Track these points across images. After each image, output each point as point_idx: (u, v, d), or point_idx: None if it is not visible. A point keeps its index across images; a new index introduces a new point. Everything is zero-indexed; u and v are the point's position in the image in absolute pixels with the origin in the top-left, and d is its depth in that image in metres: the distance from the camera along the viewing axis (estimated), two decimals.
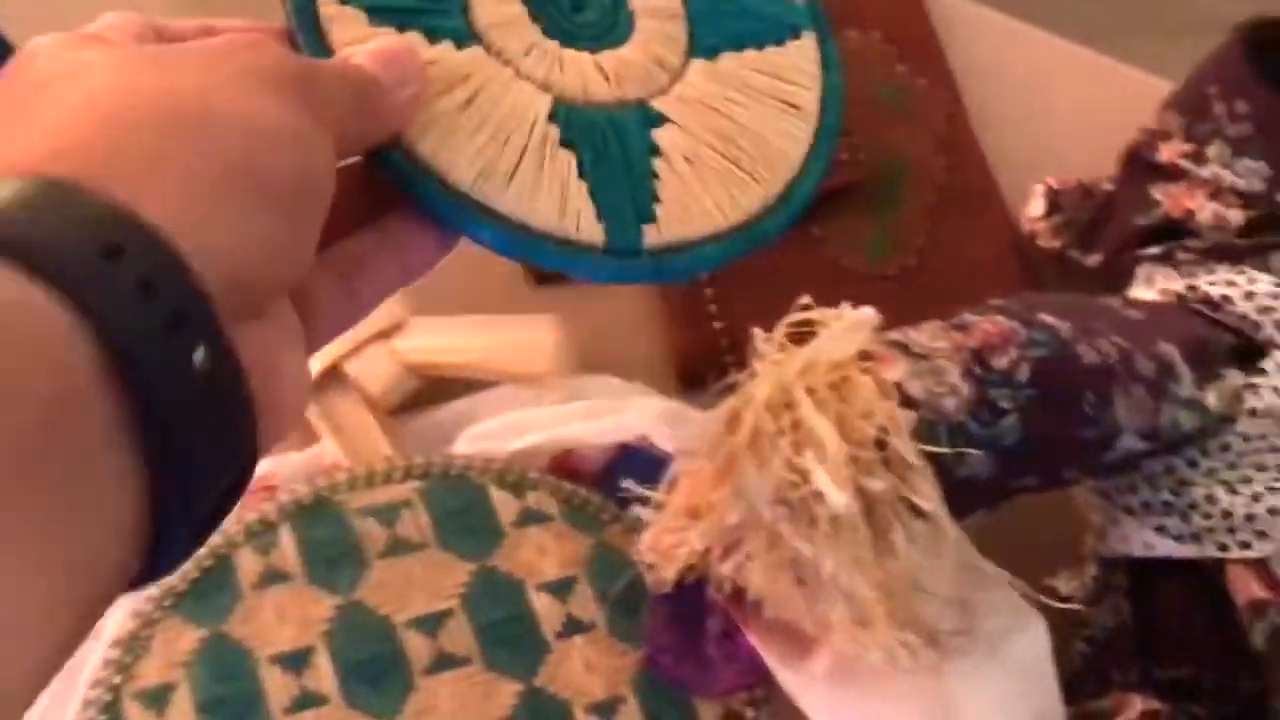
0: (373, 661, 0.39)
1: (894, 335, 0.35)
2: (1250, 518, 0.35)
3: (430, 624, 0.40)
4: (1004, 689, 0.35)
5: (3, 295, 0.18)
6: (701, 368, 0.46)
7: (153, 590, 0.40)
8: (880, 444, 0.32)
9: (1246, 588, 0.35)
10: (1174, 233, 0.43)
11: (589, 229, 0.31)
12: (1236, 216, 0.41)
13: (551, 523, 0.42)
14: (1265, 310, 0.38)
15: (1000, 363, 0.34)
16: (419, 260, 0.30)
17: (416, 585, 0.41)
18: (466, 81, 0.33)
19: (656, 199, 0.32)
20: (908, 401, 0.33)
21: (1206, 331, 0.38)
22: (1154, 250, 0.42)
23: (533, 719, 0.39)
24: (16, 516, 0.17)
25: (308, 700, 0.38)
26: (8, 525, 0.17)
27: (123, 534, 0.19)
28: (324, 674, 0.39)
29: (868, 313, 0.34)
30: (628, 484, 0.36)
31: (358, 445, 0.44)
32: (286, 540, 0.41)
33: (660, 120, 0.35)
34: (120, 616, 0.39)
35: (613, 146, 0.34)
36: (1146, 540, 0.36)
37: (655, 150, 0.35)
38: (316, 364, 0.44)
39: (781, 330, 0.35)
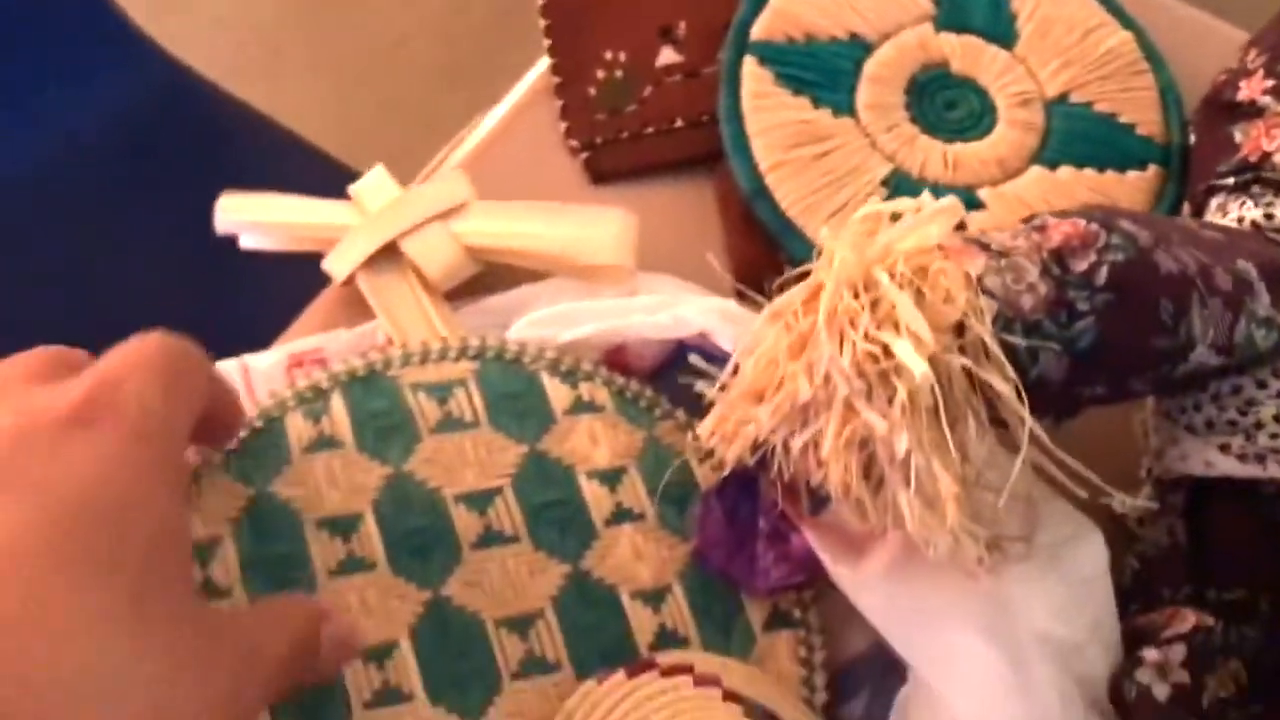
0: (420, 532, 0.39)
1: (973, 233, 0.35)
2: None
3: (480, 501, 0.40)
4: (1062, 598, 0.35)
5: None
6: (759, 274, 0.46)
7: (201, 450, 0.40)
8: (958, 334, 0.32)
9: None
10: (1254, 170, 0.42)
11: None
12: None
13: (603, 413, 0.42)
14: None
15: (1079, 265, 0.33)
16: None
17: (467, 462, 0.40)
18: (828, 140, 0.46)
19: None
20: (987, 295, 0.32)
21: None
22: (1230, 180, 0.41)
23: (580, 599, 0.39)
24: None
25: (354, 564, 0.38)
26: None
27: None
28: (372, 540, 0.39)
29: (951, 200, 0.34)
30: (695, 360, 0.36)
31: (409, 325, 0.44)
32: (338, 408, 0.41)
33: (979, 205, 0.45)
34: None
35: None
36: (1208, 458, 0.36)
37: (962, 227, 0.41)
38: (373, 241, 0.44)
39: (855, 220, 0.35)
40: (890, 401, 0.30)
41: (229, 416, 0.38)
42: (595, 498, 0.40)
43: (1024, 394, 0.32)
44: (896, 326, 0.31)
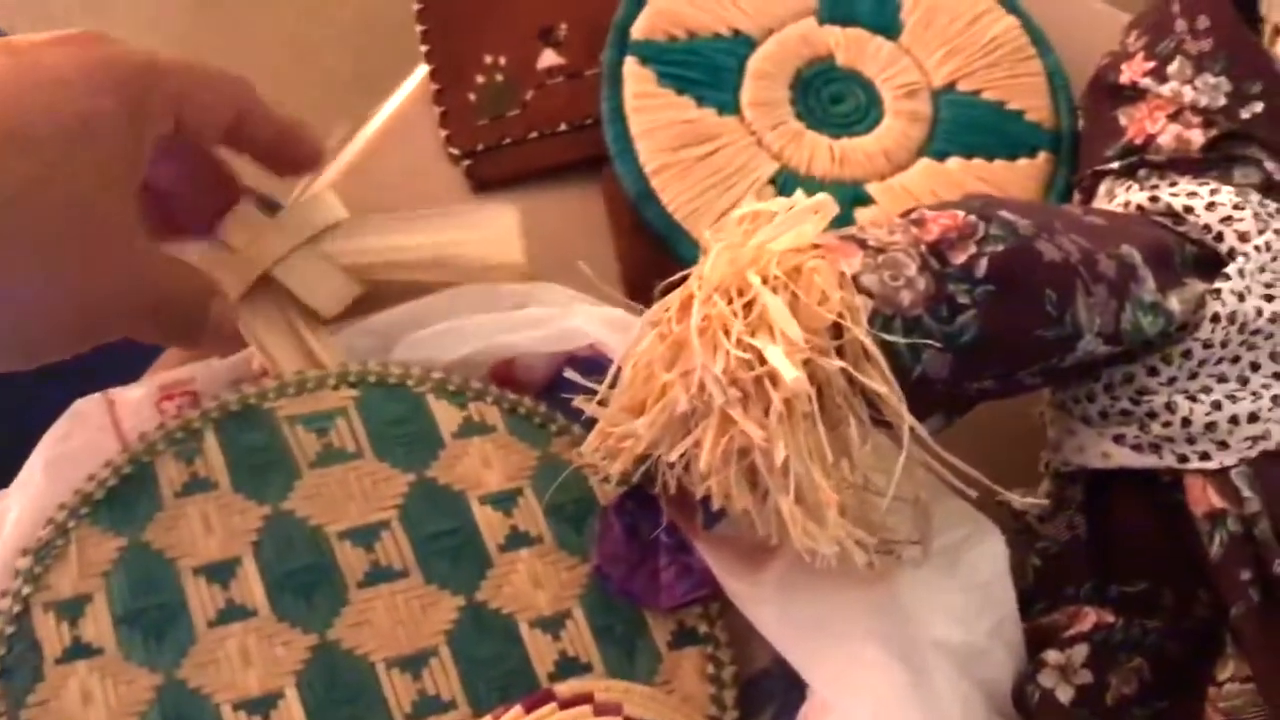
0: (303, 573, 0.37)
1: (850, 229, 0.34)
2: (1210, 426, 0.35)
3: (365, 536, 0.38)
4: (961, 601, 0.34)
5: None
6: (650, 278, 0.45)
7: (67, 498, 0.38)
8: (835, 333, 0.31)
9: (1204, 499, 0.34)
10: (1139, 153, 0.42)
11: None
12: (1197, 136, 0.40)
13: (495, 434, 0.40)
14: (1227, 220, 0.37)
15: (958, 257, 0.33)
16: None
17: (351, 496, 0.39)
18: (713, 140, 0.45)
19: None
20: (862, 293, 0.31)
21: (1169, 239, 0.37)
22: (1115, 165, 0.41)
23: (475, 633, 0.37)
24: None
25: (234, 613, 0.37)
26: None
27: None
28: (252, 585, 0.37)
29: (824, 198, 0.32)
30: (572, 377, 0.34)
31: (284, 357, 0.42)
32: (211, 447, 0.39)
33: (867, 200, 0.44)
34: (28, 525, 0.37)
35: None
36: (1104, 450, 0.35)
37: (852, 223, 0.43)
38: (244, 278, 0.42)
39: (733, 221, 0.33)
40: (767, 409, 0.29)
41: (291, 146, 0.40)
42: (489, 524, 0.39)
43: (908, 393, 0.31)
44: (771, 331, 0.30)
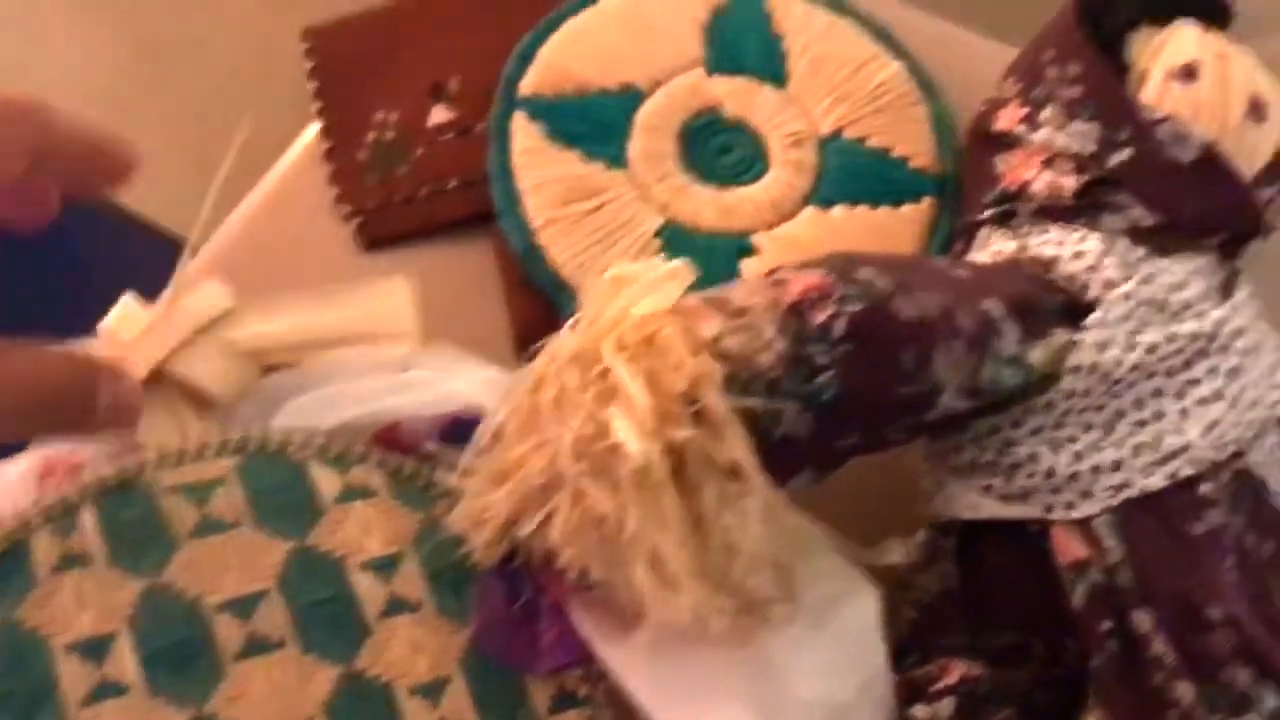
0: (180, 646, 0.37)
1: (711, 291, 0.34)
2: (1074, 477, 0.35)
3: (243, 607, 0.38)
4: (830, 658, 0.34)
5: None
6: (540, 335, 0.45)
7: None
8: (691, 399, 0.31)
9: (1069, 548, 0.35)
10: (1014, 201, 0.42)
11: None
12: (1070, 183, 0.41)
13: (377, 498, 0.40)
14: (1092, 269, 0.38)
15: (817, 317, 0.33)
16: None
17: (229, 566, 0.38)
18: (600, 195, 0.45)
19: None
20: (722, 356, 0.32)
21: (1035, 290, 0.37)
22: (989, 213, 0.41)
23: (353, 702, 0.37)
24: None
25: (107, 690, 0.36)
26: None
27: None
28: (126, 661, 0.36)
29: (680, 265, 0.33)
30: (431, 447, 0.34)
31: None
32: (88, 522, 0.38)
33: (752, 251, 0.44)
34: None
35: (700, 264, 0.40)
36: (972, 501, 0.36)
37: (737, 274, 0.44)
38: (138, 370, 0.41)
39: (600, 287, 0.34)
40: (618, 481, 0.29)
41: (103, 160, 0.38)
42: (368, 591, 0.39)
43: (771, 453, 0.32)
44: (623, 401, 0.30)
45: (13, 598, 0.37)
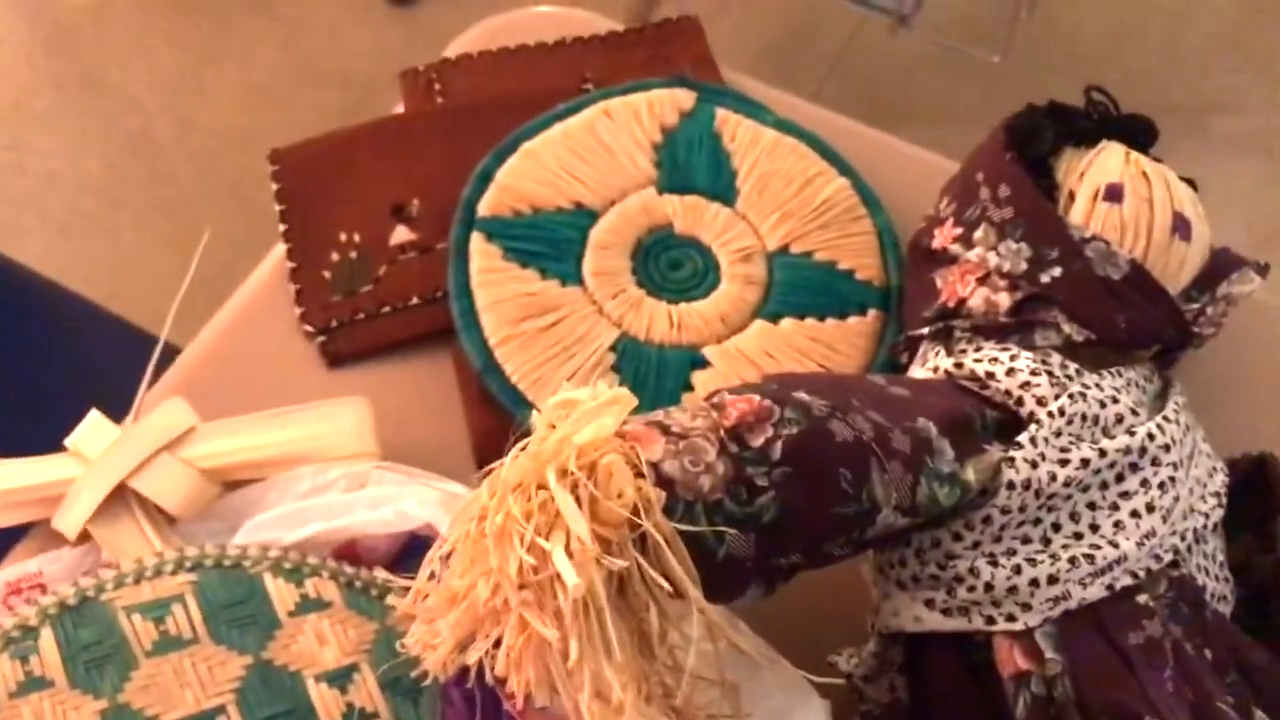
0: None
1: (654, 414, 0.35)
2: (1013, 589, 0.36)
3: None
4: None
5: None
6: (499, 448, 0.46)
7: None
8: (635, 525, 0.32)
9: (1010, 660, 0.35)
10: (952, 316, 0.44)
11: None
12: (1004, 299, 0.43)
13: (331, 609, 0.41)
14: (1025, 386, 0.39)
15: (755, 440, 0.34)
16: None
17: (186, 683, 0.39)
18: (556, 310, 0.47)
19: None
20: (664, 481, 0.33)
21: (970, 407, 0.38)
22: (926, 330, 0.43)
23: None
24: None
25: None
26: None
27: None
28: None
29: (622, 392, 0.34)
30: (379, 573, 0.35)
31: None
32: (47, 644, 0.39)
33: (704, 363, 0.46)
34: None
35: (652, 377, 0.44)
36: (916, 614, 0.37)
37: (689, 386, 0.45)
38: (100, 489, 0.42)
39: (549, 412, 0.35)
40: (559, 610, 0.30)
41: None
42: (324, 703, 0.39)
43: (717, 573, 0.32)
44: (566, 529, 0.31)
45: None
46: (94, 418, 0.44)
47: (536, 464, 0.32)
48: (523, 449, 0.33)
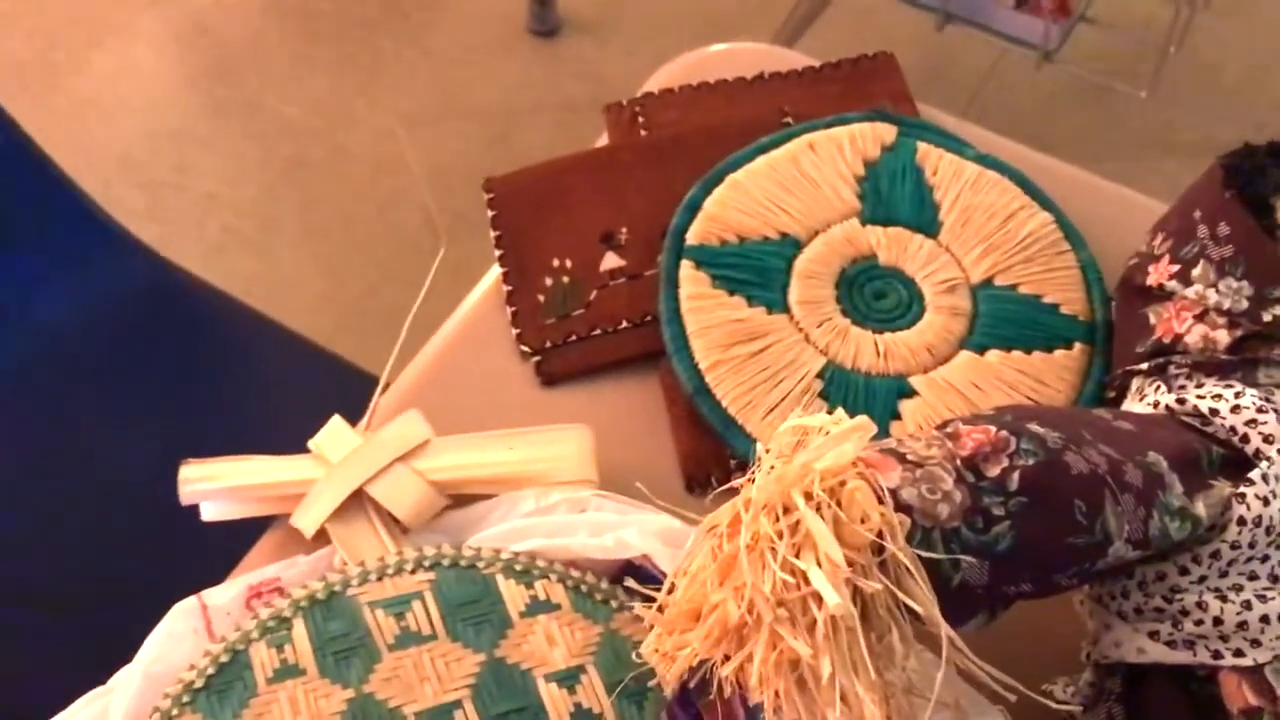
0: None
1: (889, 443, 0.36)
2: (1242, 625, 0.36)
3: (439, 716, 0.41)
4: None
5: None
6: (707, 468, 0.48)
7: (171, 686, 0.41)
8: (877, 549, 0.33)
9: (1239, 695, 0.36)
10: (1168, 352, 0.44)
11: None
12: (1223, 336, 0.43)
13: (560, 611, 0.43)
14: (1251, 423, 0.39)
15: (992, 470, 0.35)
16: None
17: (425, 677, 0.41)
18: (764, 338, 0.48)
19: None
20: (902, 508, 0.34)
21: (1196, 443, 0.39)
22: (1145, 365, 0.43)
23: None
24: None
25: None
26: None
27: None
28: None
29: (862, 420, 0.35)
30: (630, 584, 0.37)
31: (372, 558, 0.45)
32: (300, 634, 0.42)
33: (910, 392, 0.47)
34: (135, 714, 0.40)
35: (860, 405, 0.46)
36: (1140, 646, 0.37)
37: (896, 415, 0.47)
38: (340, 492, 0.46)
39: (782, 437, 0.36)
40: (813, 626, 0.31)
41: None
42: (554, 702, 0.41)
43: (949, 599, 0.34)
44: (816, 550, 0.32)
45: (235, 706, 0.41)
46: (335, 423, 0.47)
47: (781, 486, 0.34)
48: (768, 472, 0.35)
